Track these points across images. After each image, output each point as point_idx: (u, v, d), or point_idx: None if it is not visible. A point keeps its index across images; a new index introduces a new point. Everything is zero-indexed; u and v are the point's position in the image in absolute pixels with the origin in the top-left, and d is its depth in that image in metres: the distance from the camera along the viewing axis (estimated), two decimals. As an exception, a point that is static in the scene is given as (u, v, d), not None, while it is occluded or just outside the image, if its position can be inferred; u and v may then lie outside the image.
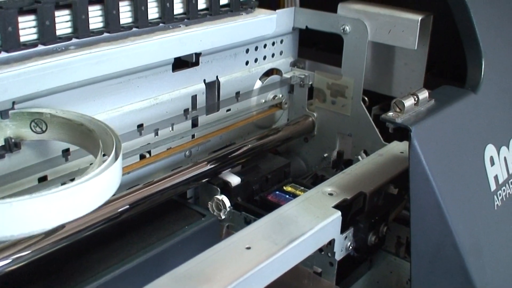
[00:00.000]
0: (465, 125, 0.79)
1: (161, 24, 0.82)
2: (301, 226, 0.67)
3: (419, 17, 0.93)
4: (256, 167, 0.96)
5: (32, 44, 0.68)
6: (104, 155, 0.66)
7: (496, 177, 0.81)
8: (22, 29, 0.66)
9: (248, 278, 0.58)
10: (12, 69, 0.63)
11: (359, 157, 1.02)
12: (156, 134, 0.87)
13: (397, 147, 0.91)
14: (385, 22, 0.96)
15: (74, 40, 0.72)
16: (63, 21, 0.71)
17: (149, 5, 0.80)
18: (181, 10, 0.85)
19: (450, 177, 0.73)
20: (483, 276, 0.75)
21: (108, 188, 0.61)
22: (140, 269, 0.72)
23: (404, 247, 0.92)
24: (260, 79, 1.04)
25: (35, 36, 0.68)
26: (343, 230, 0.74)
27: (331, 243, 0.74)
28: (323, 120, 1.07)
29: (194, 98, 0.91)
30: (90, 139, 0.68)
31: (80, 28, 0.72)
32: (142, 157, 0.86)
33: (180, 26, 0.83)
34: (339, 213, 0.71)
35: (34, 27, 0.68)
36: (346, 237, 0.75)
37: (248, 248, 0.62)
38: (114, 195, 0.64)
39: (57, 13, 0.69)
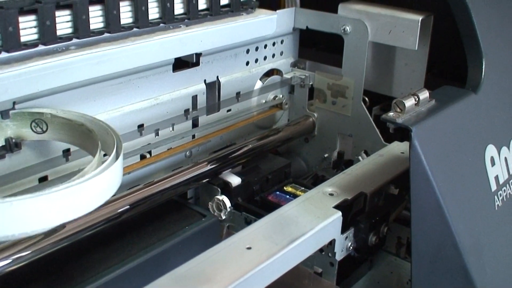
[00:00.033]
0: (465, 125, 0.79)
1: (161, 24, 0.82)
2: (302, 226, 0.67)
3: (419, 18, 0.93)
4: (257, 167, 0.96)
5: (33, 44, 0.68)
6: (105, 155, 0.66)
7: (496, 178, 0.81)
8: (22, 29, 0.66)
9: (249, 278, 0.58)
10: (13, 69, 0.63)
11: (360, 157, 1.02)
12: (157, 134, 0.87)
13: (398, 147, 0.91)
14: (386, 23, 0.96)
15: (74, 40, 0.72)
16: (63, 21, 0.71)
17: (149, 5, 0.80)
18: (181, 10, 0.86)
19: (450, 177, 0.73)
20: (484, 276, 0.75)
21: (108, 187, 0.61)
22: (141, 269, 0.72)
23: (405, 248, 0.92)
24: (260, 80, 1.04)
25: (35, 36, 0.68)
26: (343, 230, 0.74)
27: (332, 243, 0.74)
28: (324, 121, 1.07)
29: (194, 98, 0.91)
30: (90, 139, 0.68)
31: (81, 28, 0.72)
32: (142, 157, 0.86)
33: (181, 26, 0.83)
34: (339, 213, 0.71)
35: (34, 27, 0.68)
36: (346, 237, 0.75)
37: (249, 248, 0.62)
38: (114, 195, 0.64)
39: (57, 13, 0.69)
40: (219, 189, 0.89)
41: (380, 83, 1.09)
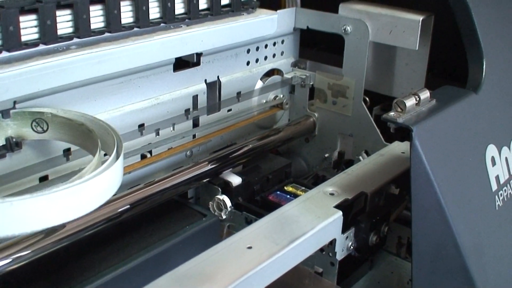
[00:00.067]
0: (466, 125, 0.79)
1: (162, 24, 0.82)
2: (302, 226, 0.67)
3: (420, 18, 0.93)
4: (257, 167, 0.96)
5: (34, 44, 0.68)
6: (105, 154, 0.66)
7: (497, 177, 0.81)
8: (23, 28, 0.66)
9: (249, 277, 0.58)
10: (14, 69, 0.63)
11: (360, 157, 1.02)
12: (157, 134, 0.87)
13: (398, 147, 0.90)
14: (386, 23, 0.96)
15: (75, 40, 0.72)
16: (64, 21, 0.71)
17: (150, 5, 0.80)
18: (182, 10, 0.86)
19: (451, 177, 0.73)
20: (484, 276, 0.75)
21: (109, 187, 0.61)
22: (141, 269, 0.72)
23: (405, 248, 0.92)
24: (261, 79, 1.04)
25: (36, 36, 0.68)
26: (344, 230, 0.74)
27: (332, 243, 0.74)
28: (324, 121, 1.07)
29: (195, 98, 0.91)
30: (90, 139, 0.68)
31: (81, 27, 0.72)
32: (143, 157, 0.86)
33: (181, 26, 0.83)
34: (340, 213, 0.71)
35: (35, 26, 0.68)
36: (347, 237, 0.75)
37: (249, 247, 0.62)
38: (115, 194, 0.64)
39: (58, 13, 0.69)
40: (219, 189, 0.89)
41: (381, 83, 1.09)
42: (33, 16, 0.67)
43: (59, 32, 0.70)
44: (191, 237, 0.78)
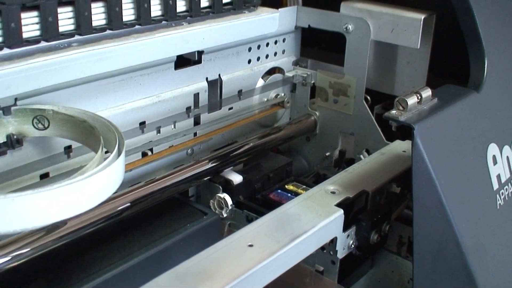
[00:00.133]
0: (468, 124, 0.79)
1: (163, 22, 0.82)
2: (304, 224, 0.67)
3: (422, 16, 0.93)
4: (258, 165, 0.96)
5: (35, 41, 0.68)
6: (106, 152, 0.66)
7: (498, 176, 0.81)
8: (25, 25, 0.66)
9: (250, 275, 0.58)
10: (15, 65, 0.63)
11: (361, 156, 1.02)
12: (158, 131, 0.86)
13: (400, 146, 0.90)
14: (388, 21, 0.96)
15: (76, 37, 0.72)
16: (66, 18, 0.71)
17: (152, 2, 0.80)
18: (183, 8, 0.86)
19: (452, 176, 0.73)
20: (486, 275, 0.75)
21: (110, 185, 0.61)
22: (142, 266, 0.72)
23: (406, 247, 0.92)
24: (262, 78, 1.04)
25: (37, 33, 0.68)
26: (345, 228, 0.74)
27: (333, 241, 0.74)
28: (325, 119, 1.07)
29: (196, 96, 0.91)
30: (92, 136, 0.68)
31: (83, 24, 0.72)
32: (144, 154, 0.86)
33: (183, 24, 0.83)
34: (341, 211, 0.71)
35: (37, 23, 0.68)
36: (348, 236, 0.75)
37: (251, 245, 0.62)
38: (116, 192, 0.64)
39: (60, 10, 0.69)
40: (220, 187, 0.89)
41: (382, 81, 1.08)
42: (35, 13, 0.67)
43: (61, 29, 0.70)
44: (192, 235, 0.78)
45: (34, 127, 0.69)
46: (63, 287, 0.66)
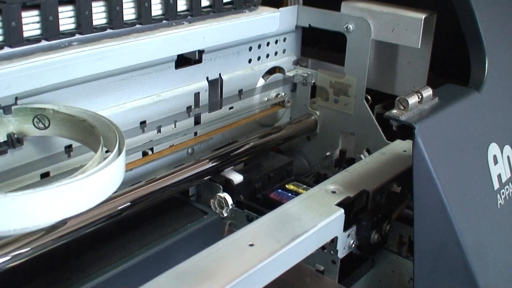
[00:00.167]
0: (468, 123, 0.79)
1: (164, 21, 0.82)
2: (304, 223, 0.67)
3: (422, 16, 0.93)
4: (259, 165, 0.96)
5: (36, 40, 0.68)
6: (107, 151, 0.66)
7: (499, 176, 0.81)
8: (25, 24, 0.66)
9: (251, 275, 0.58)
10: (15, 65, 0.63)
11: (362, 155, 1.01)
12: (159, 131, 0.86)
13: (400, 145, 0.90)
14: (389, 21, 0.95)
15: (77, 36, 0.72)
16: (66, 17, 0.71)
17: (152, 1, 0.80)
18: (184, 7, 0.85)
19: (453, 175, 0.73)
20: (486, 275, 0.75)
21: (110, 184, 0.61)
22: (142, 266, 0.72)
23: (407, 246, 0.92)
24: (262, 77, 1.04)
25: (38, 32, 0.68)
26: (346, 228, 0.73)
27: (334, 241, 0.74)
28: (326, 119, 1.07)
29: (197, 95, 0.91)
30: (92, 135, 0.68)
31: (84, 24, 0.72)
32: (144, 154, 0.86)
33: (184, 23, 0.83)
34: (342, 210, 0.71)
35: (37, 22, 0.68)
36: (349, 235, 0.75)
37: (251, 245, 0.62)
38: (116, 192, 0.64)
39: (60, 9, 0.69)
40: (221, 187, 0.89)
41: (383, 81, 1.08)
42: (35, 12, 0.67)
43: (61, 28, 0.70)
44: (192, 234, 0.78)
45: (35, 126, 0.69)
46: (63, 287, 0.66)
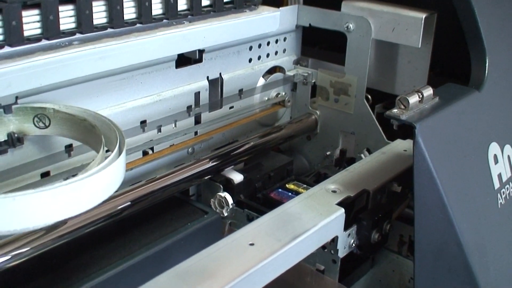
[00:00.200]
0: (469, 123, 0.79)
1: (164, 20, 0.82)
2: (304, 223, 0.67)
3: (423, 15, 0.93)
4: (259, 164, 0.96)
5: (36, 39, 0.68)
6: (107, 150, 0.65)
7: (499, 176, 0.81)
8: (26, 23, 0.66)
9: (251, 274, 0.58)
10: (16, 64, 0.63)
11: (362, 155, 1.01)
12: (159, 130, 0.86)
13: (401, 145, 0.90)
14: (389, 20, 0.95)
15: (77, 35, 0.72)
16: (67, 16, 0.71)
17: (153, 1, 0.80)
18: (185, 7, 0.85)
19: (454, 174, 0.73)
20: (487, 274, 0.75)
21: (111, 183, 0.61)
22: (143, 266, 0.72)
23: (407, 246, 0.92)
24: (263, 77, 1.04)
25: (39, 31, 0.68)
26: (346, 227, 0.73)
27: (334, 240, 0.74)
28: (326, 118, 1.07)
29: (197, 95, 0.91)
30: (92, 134, 0.68)
31: (84, 23, 0.72)
32: (145, 153, 0.86)
33: (184, 23, 0.83)
34: (342, 210, 0.71)
35: (38, 21, 0.68)
36: (349, 235, 0.75)
37: (252, 244, 0.62)
38: (116, 191, 0.64)
39: (61, 8, 0.69)
40: (221, 186, 0.89)
41: (383, 81, 1.08)
42: (36, 11, 0.67)
43: (62, 27, 0.70)
44: (192, 234, 0.78)
45: (35, 125, 0.69)
46: (63, 286, 0.66)
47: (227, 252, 0.61)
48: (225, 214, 0.85)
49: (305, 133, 1.09)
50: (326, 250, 0.77)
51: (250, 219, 0.86)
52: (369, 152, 1.01)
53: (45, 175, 0.73)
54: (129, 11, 0.78)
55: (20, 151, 0.70)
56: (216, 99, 0.95)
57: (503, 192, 0.81)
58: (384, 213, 0.79)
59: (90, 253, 0.72)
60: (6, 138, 0.68)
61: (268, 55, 1.04)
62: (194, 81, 0.91)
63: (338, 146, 1.07)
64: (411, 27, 0.94)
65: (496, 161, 0.81)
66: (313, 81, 1.06)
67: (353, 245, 0.77)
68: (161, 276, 0.56)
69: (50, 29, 0.68)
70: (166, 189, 0.81)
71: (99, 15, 0.74)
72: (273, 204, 0.83)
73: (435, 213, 0.70)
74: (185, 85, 0.89)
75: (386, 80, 1.08)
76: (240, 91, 0.99)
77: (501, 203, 0.80)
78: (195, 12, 0.86)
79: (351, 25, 0.98)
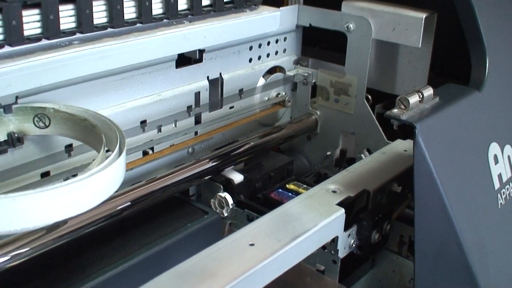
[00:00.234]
0: (469, 123, 0.79)
1: (165, 20, 0.82)
2: (305, 223, 0.67)
3: (423, 15, 0.93)
4: (259, 164, 0.96)
5: (36, 38, 0.67)
6: (107, 150, 0.65)
7: (500, 176, 0.81)
8: (26, 23, 0.66)
9: (251, 275, 0.58)
10: (16, 63, 0.63)
11: (362, 155, 1.01)
12: (159, 130, 0.86)
13: (401, 145, 0.90)
14: (389, 20, 0.95)
15: (78, 35, 0.72)
16: (67, 16, 0.71)
17: (153, 0, 0.79)
18: (185, 6, 0.85)
19: (454, 175, 0.73)
20: (487, 274, 0.75)
21: (111, 183, 0.61)
22: (143, 266, 0.72)
23: (407, 246, 0.92)
24: (263, 77, 1.04)
25: (39, 30, 0.68)
26: (346, 227, 0.73)
27: (334, 240, 0.74)
28: (326, 118, 1.07)
29: (197, 94, 0.91)
30: (93, 134, 0.68)
31: (84, 22, 0.72)
32: (145, 153, 0.86)
33: (184, 22, 0.83)
34: (342, 210, 0.71)
35: (38, 21, 0.68)
36: (349, 235, 0.75)
37: (252, 244, 0.62)
38: (117, 191, 0.64)
39: (61, 8, 0.69)
40: (221, 186, 0.89)
41: (383, 81, 1.08)
42: (36, 11, 0.67)
43: (62, 27, 0.70)
44: (192, 234, 0.78)
45: (35, 125, 0.69)
46: (63, 286, 0.66)
47: (227, 252, 0.61)
48: (225, 214, 0.85)
49: (305, 133, 1.09)
50: (326, 250, 0.77)
51: (250, 219, 0.86)
52: (369, 152, 1.01)
53: (45, 175, 0.73)
54: (129, 11, 0.78)
55: (20, 151, 0.70)
56: (216, 99, 0.95)
57: (503, 193, 0.81)
58: (384, 214, 0.79)
59: (90, 253, 0.72)
60: (6, 138, 0.68)
61: (268, 55, 1.04)
62: (194, 81, 0.91)
63: (338, 146, 1.07)
64: (411, 27, 0.94)
65: (496, 161, 0.81)
66: (313, 81, 1.06)
67: (353, 245, 0.77)
68: (161, 276, 0.56)
69: (50, 28, 0.68)
70: (166, 189, 0.80)
71: (99, 14, 0.74)
72: (273, 204, 0.83)
73: (435, 213, 0.70)
74: (185, 85, 0.89)
75: (386, 80, 1.08)
76: (240, 91, 0.99)
77: (501, 203, 0.80)
78: (195, 12, 0.86)
79: (351, 25, 0.98)
